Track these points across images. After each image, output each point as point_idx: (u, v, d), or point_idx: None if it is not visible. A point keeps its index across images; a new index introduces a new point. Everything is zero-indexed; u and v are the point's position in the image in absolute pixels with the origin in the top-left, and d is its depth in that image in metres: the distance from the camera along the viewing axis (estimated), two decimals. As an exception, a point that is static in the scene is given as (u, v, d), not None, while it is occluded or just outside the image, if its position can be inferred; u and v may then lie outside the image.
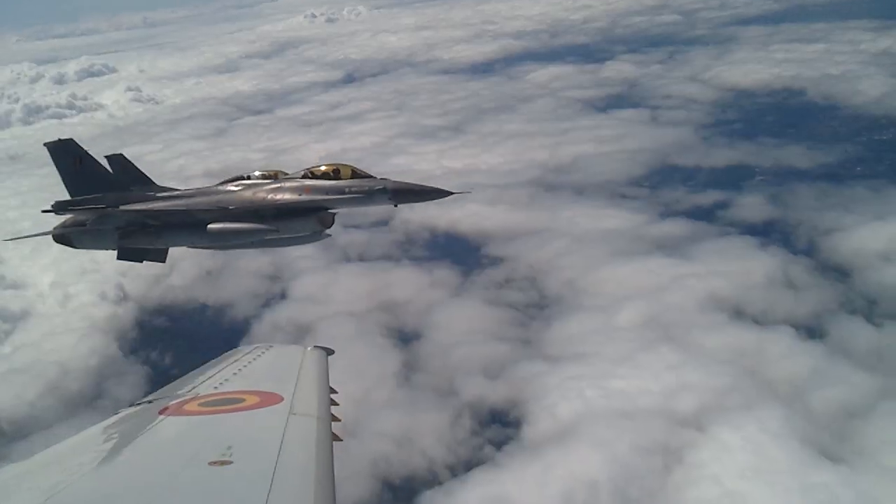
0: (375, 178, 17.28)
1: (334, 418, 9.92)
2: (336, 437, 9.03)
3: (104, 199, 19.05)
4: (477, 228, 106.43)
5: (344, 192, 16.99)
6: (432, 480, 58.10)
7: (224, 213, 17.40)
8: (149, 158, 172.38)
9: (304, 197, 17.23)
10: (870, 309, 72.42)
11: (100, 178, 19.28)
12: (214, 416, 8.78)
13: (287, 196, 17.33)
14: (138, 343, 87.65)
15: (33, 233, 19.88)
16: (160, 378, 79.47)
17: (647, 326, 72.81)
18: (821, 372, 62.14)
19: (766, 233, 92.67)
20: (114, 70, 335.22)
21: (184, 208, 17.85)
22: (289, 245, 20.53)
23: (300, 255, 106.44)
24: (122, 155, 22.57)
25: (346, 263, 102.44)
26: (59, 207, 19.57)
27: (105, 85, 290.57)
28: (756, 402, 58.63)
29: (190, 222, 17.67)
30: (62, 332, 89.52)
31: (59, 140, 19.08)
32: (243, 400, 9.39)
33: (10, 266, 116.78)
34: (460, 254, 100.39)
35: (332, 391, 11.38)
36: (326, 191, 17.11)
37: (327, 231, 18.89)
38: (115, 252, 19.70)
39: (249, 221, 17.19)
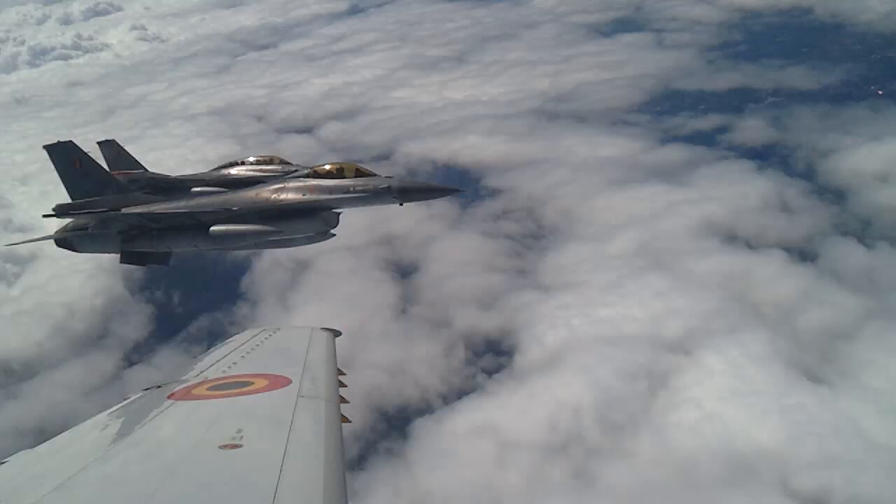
0: (380, 176, 16.74)
1: (343, 400, 9.95)
2: (345, 419, 9.05)
3: (105, 202, 18.77)
4: (476, 160, 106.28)
5: (349, 192, 16.55)
6: (425, 409, 59.51)
7: (227, 215, 17.09)
8: (153, 98, 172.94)
9: (309, 197, 16.81)
10: (863, 230, 72.34)
11: (100, 179, 18.98)
12: (223, 400, 8.78)
13: (291, 196, 16.94)
14: (144, 282, 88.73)
15: (35, 237, 19.82)
16: (165, 317, 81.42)
17: (639, 254, 73.26)
18: (809, 294, 62.60)
19: (764, 156, 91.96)
20: (119, 8, 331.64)
21: (186, 210, 17.60)
22: (293, 245, 20.19)
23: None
24: (114, 140, 22.75)
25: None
26: (60, 211, 19.39)
27: (110, 24, 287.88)
28: (742, 325, 59.35)
29: (192, 225, 17.49)
30: (68, 273, 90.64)
31: (58, 142, 18.71)
32: (252, 383, 9.37)
33: (18, 209, 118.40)
34: (460, 185, 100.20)
35: (340, 373, 11.34)
36: (331, 190, 16.69)
37: (332, 231, 18.62)
38: (119, 255, 19.45)
39: (253, 222, 16.94)
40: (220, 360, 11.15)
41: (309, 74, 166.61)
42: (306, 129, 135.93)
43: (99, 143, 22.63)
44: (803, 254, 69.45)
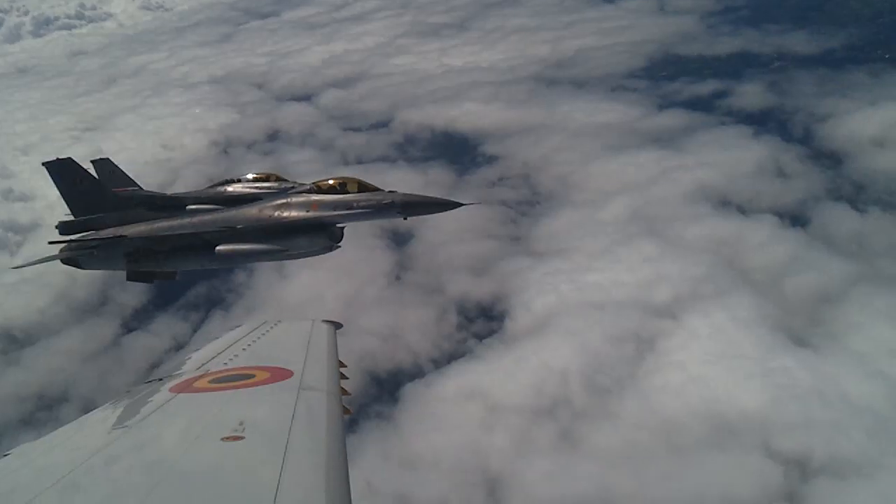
0: (383, 191, 16.80)
1: (344, 392, 9.89)
2: (346, 411, 9.07)
3: (107, 219, 18.62)
4: (474, 127, 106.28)
5: (352, 207, 16.54)
6: (416, 373, 60.25)
7: (232, 233, 16.90)
8: (155, 67, 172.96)
9: (312, 213, 16.69)
10: (856, 195, 72.44)
11: (100, 195, 18.97)
12: (225, 393, 8.76)
13: (294, 213, 16.79)
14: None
15: (43, 257, 18.61)
16: (164, 284, 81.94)
17: (632, 220, 73.54)
18: (799, 259, 62.84)
19: (762, 121, 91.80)
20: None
21: (191, 230, 17.33)
22: (297, 258, 19.75)
23: (300, 160, 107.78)
24: (108, 159, 22.55)
25: (345, 166, 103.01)
26: (63, 229, 19.17)
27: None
28: (730, 290, 59.72)
29: (198, 245, 17.19)
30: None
31: (58, 159, 18.56)
32: (253, 376, 9.39)
33: (20, 179, 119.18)
34: (456, 153, 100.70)
35: (342, 365, 11.37)
36: (334, 206, 16.62)
37: (338, 244, 18.23)
38: (125, 272, 19.33)
39: (258, 240, 16.80)
40: (222, 353, 11.18)
41: (310, 42, 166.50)
42: (305, 97, 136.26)
43: (93, 161, 22.28)
44: (795, 219, 69.63)
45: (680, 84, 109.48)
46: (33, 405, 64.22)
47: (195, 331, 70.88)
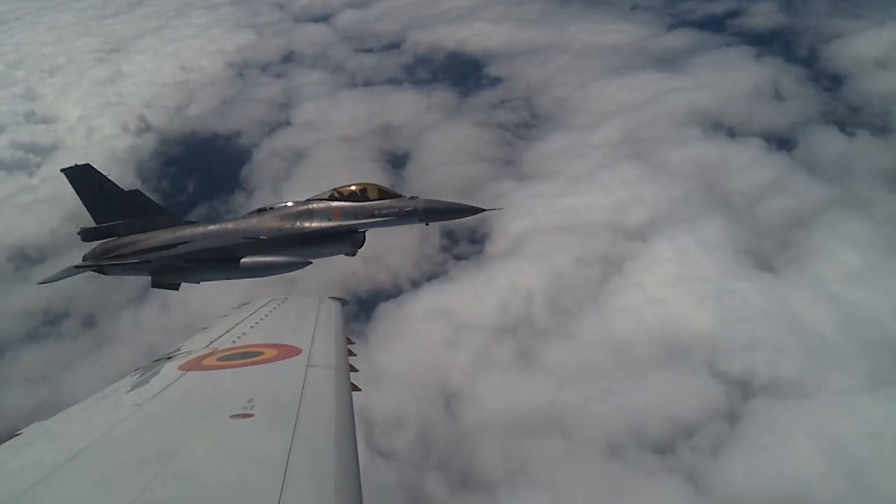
0: (405, 197, 16.24)
1: (352, 368, 9.89)
2: (355, 387, 9.08)
3: (129, 226, 18.27)
4: (482, 48, 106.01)
5: (374, 215, 16.01)
6: (394, 293, 62.20)
7: (256, 244, 16.52)
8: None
9: (335, 222, 16.31)
10: (849, 118, 71.50)
11: (122, 201, 18.39)
12: (234, 370, 8.85)
13: (317, 223, 16.44)
14: (155, 172, 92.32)
15: (65, 269, 18.46)
16: (169, 206, 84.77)
17: (622, 143, 73.79)
18: (778, 183, 62.77)
19: (769, 42, 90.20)
20: None
21: (216, 244, 16.91)
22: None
23: (310, 82, 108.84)
24: (138, 191, 21.32)
25: (352, 89, 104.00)
26: (85, 236, 18.74)
27: None
28: (704, 214, 60.09)
29: (222, 258, 16.84)
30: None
31: (76, 166, 17.95)
32: (262, 353, 9.48)
33: (45, 101, 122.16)
34: (462, 75, 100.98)
35: (349, 341, 11.37)
36: (356, 214, 16.17)
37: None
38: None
39: (281, 250, 16.31)
40: (230, 331, 11.28)
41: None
42: (323, 18, 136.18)
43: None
44: (782, 142, 69.39)
45: (695, 2, 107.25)
46: (38, 320, 67.83)
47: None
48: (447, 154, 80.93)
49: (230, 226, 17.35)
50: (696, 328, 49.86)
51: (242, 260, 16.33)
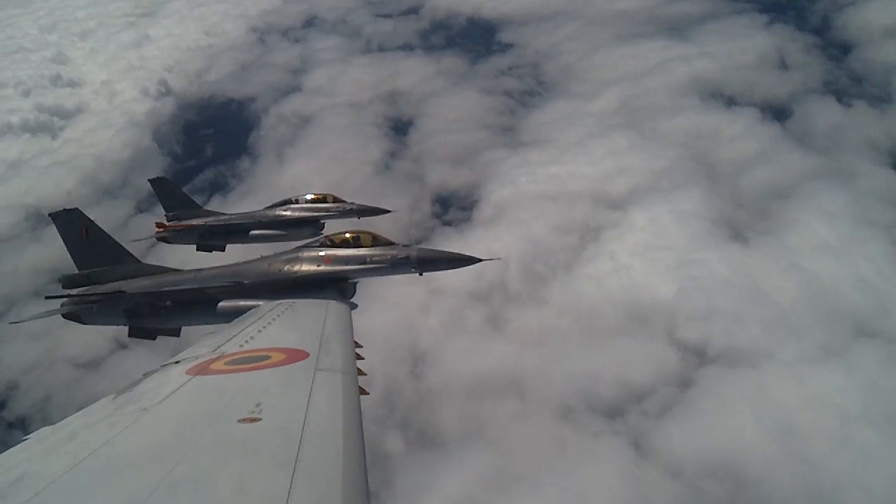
0: (398, 245, 15.92)
1: (360, 372, 9.83)
2: (362, 391, 9.07)
3: (111, 272, 18.10)
4: (498, 13, 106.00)
5: (365, 262, 15.77)
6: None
7: (238, 288, 16.10)
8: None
9: (324, 268, 15.93)
10: (849, 89, 70.41)
11: (107, 248, 18.22)
12: (241, 374, 8.80)
13: (305, 267, 16.09)
14: (169, 137, 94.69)
15: (42, 312, 17.89)
16: (178, 170, 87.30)
17: (618, 112, 73.85)
18: (765, 154, 62.51)
19: (782, 9, 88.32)
20: None
21: (195, 286, 16.56)
22: None
23: (326, 48, 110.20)
24: (165, 178, 23.16)
25: (365, 55, 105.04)
26: (66, 283, 18.26)
27: None
28: (686, 184, 60.27)
29: (201, 299, 16.34)
30: (104, 127, 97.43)
31: (64, 210, 17.80)
32: (269, 357, 9.41)
33: (73, 65, 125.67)
34: (475, 40, 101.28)
35: (357, 345, 11.32)
36: (346, 261, 15.87)
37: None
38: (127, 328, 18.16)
39: (264, 295, 15.70)
40: (237, 335, 11.23)
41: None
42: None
43: (150, 180, 23.03)
44: (777, 112, 68.80)
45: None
46: (46, 278, 70.77)
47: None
48: (449, 121, 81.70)
49: (214, 271, 17.11)
50: (658, 296, 50.48)
51: (220, 303, 15.97)
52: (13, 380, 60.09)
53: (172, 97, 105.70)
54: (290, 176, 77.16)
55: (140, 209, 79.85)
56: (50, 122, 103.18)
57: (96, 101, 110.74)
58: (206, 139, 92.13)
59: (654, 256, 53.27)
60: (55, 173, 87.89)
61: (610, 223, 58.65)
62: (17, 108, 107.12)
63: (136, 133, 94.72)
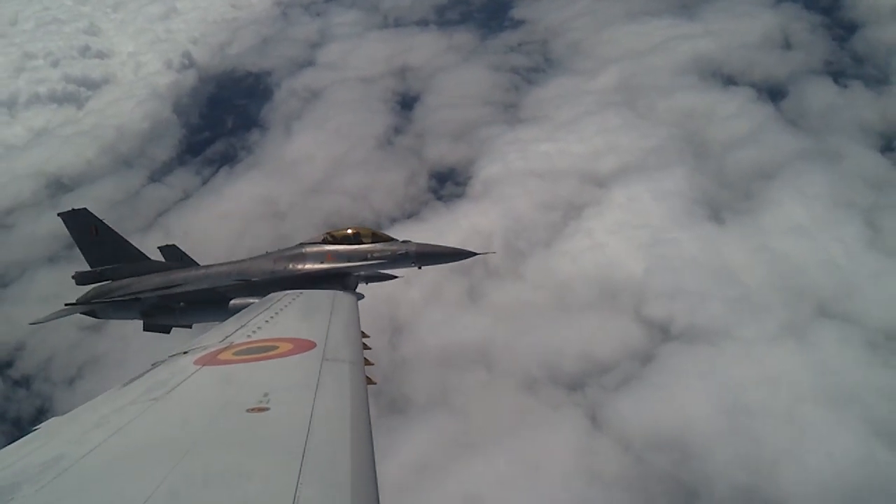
0: (397, 240, 16.31)
1: (367, 362, 9.87)
2: (370, 381, 9.04)
3: (123, 269, 18.69)
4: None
5: (367, 258, 16.11)
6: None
7: (246, 286, 16.53)
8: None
9: (327, 265, 16.41)
10: (848, 69, 70.03)
11: (116, 245, 18.65)
12: (249, 364, 8.78)
13: (309, 265, 16.59)
14: (188, 108, 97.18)
15: (57, 311, 18.18)
16: (192, 142, 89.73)
17: (617, 90, 74.26)
18: (754, 133, 62.71)
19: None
20: None
21: (207, 286, 17.06)
22: None
23: (344, 22, 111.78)
24: (174, 246, 21.28)
25: (381, 30, 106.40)
26: (80, 279, 18.81)
27: None
28: (672, 163, 60.83)
29: (213, 299, 16.82)
30: (127, 98, 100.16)
31: (73, 210, 18.05)
32: (277, 347, 9.39)
33: (104, 36, 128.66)
34: (487, 15, 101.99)
35: (364, 335, 11.38)
36: (349, 257, 16.25)
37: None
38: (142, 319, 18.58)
39: (273, 292, 15.52)
40: (245, 325, 11.16)
41: None
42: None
43: (160, 248, 20.56)
44: (773, 92, 68.72)
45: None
46: (60, 245, 73.63)
47: (204, 184, 78.42)
48: (454, 97, 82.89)
49: (223, 269, 17.54)
50: (629, 274, 51.48)
51: (231, 301, 16.33)
52: (21, 340, 62.70)
53: (195, 69, 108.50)
54: (295, 147, 79.26)
55: (152, 178, 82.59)
56: (77, 93, 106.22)
57: (122, 72, 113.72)
58: (222, 112, 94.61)
59: (629, 234, 54.18)
60: (77, 142, 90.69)
61: (594, 201, 59.56)
62: (45, 79, 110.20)
63: (156, 105, 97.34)
